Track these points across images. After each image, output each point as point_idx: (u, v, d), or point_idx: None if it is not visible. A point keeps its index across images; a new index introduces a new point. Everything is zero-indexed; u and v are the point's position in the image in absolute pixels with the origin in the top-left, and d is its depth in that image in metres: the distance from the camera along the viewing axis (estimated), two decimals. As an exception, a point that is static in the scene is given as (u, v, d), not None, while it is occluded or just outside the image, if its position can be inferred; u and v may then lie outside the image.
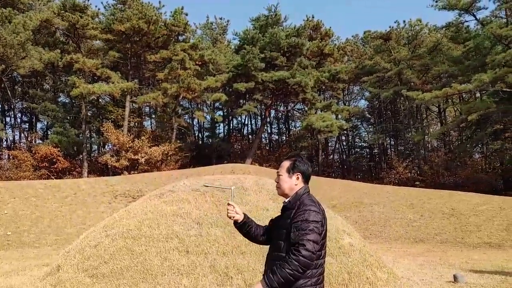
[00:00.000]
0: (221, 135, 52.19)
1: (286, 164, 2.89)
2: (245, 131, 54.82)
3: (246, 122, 54.63)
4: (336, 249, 6.69)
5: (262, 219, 7.25)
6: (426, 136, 39.50)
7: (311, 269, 2.59)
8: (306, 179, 2.87)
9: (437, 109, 44.34)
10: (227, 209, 3.00)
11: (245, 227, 3.01)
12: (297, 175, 2.83)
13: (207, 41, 46.63)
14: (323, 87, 43.52)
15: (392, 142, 50.74)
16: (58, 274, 6.87)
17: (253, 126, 54.93)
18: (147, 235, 7.00)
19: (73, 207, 18.66)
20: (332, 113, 40.30)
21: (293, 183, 2.82)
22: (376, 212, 18.48)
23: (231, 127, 53.17)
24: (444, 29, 36.17)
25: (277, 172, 2.93)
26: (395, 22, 51.08)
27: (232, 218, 2.99)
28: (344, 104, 49.91)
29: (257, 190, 8.24)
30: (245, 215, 3.03)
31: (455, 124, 36.05)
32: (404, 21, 41.21)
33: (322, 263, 2.72)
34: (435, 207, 18.06)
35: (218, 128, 51.62)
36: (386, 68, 39.34)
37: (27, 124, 43.99)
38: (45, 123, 43.58)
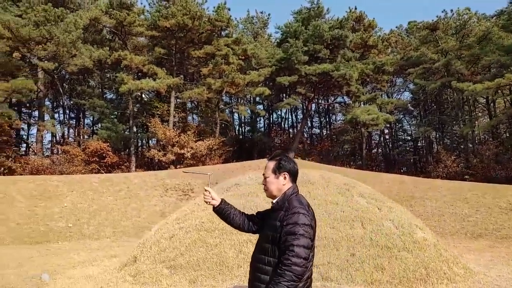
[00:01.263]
0: (262, 129, 52.29)
1: (271, 165, 2.82)
2: (285, 125, 54.78)
3: (286, 116, 54.57)
4: (411, 244, 6.61)
5: (333, 213, 7.25)
6: (474, 129, 38.20)
7: None
8: (293, 178, 2.81)
9: (484, 100, 42.77)
10: (204, 194, 3.01)
11: (222, 213, 3.00)
12: (284, 174, 2.77)
13: (248, 35, 46.75)
14: (367, 80, 42.80)
15: (438, 135, 49.42)
16: (136, 265, 7.11)
17: (293, 120, 54.82)
18: (220, 227, 7.14)
19: (127, 200, 19.20)
20: (376, 105, 39.59)
21: (280, 184, 2.77)
22: (429, 207, 18.09)
23: (271, 121, 53.19)
24: (494, 17, 34.82)
25: (263, 174, 2.87)
26: (442, 12, 49.25)
27: (208, 203, 3.00)
28: (388, 97, 49.04)
29: (324, 184, 8.22)
30: (222, 200, 3.02)
31: (505, 116, 34.75)
32: (451, 10, 39.94)
33: (310, 266, 2.65)
34: (491, 201, 17.50)
35: (258, 122, 51.77)
36: (433, 59, 38.20)
37: (74, 120, 45.50)
38: (91, 119, 45.04)
